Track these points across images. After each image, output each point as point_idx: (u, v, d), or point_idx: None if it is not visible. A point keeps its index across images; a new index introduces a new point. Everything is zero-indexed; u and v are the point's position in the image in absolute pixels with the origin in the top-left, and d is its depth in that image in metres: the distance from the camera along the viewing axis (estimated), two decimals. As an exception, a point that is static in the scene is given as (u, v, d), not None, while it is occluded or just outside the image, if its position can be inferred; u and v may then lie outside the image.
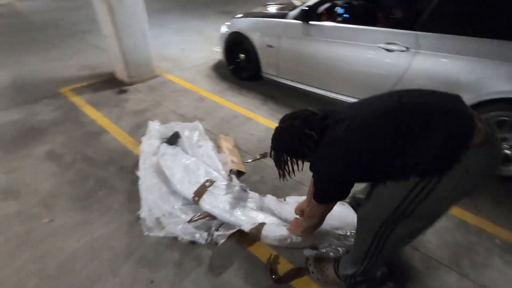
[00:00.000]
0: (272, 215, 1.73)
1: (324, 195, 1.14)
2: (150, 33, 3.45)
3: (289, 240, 1.55)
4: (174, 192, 1.88)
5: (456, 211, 1.83)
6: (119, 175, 2.14)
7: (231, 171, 2.08)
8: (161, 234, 1.66)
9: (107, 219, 1.81)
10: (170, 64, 4.09)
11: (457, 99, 0.99)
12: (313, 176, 1.19)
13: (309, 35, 2.71)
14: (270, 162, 2.26)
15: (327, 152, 1.07)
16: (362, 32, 2.39)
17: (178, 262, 1.56)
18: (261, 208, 1.78)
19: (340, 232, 1.57)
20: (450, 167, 0.90)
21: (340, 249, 1.54)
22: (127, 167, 2.22)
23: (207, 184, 1.87)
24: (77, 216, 1.82)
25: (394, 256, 1.54)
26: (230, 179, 1.99)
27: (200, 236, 1.62)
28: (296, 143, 1.13)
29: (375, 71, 2.33)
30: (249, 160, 2.28)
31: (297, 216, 1.66)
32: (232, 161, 2.20)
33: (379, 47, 2.27)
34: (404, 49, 2.15)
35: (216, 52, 4.45)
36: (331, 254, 1.54)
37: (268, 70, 3.22)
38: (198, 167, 2.01)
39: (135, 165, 2.22)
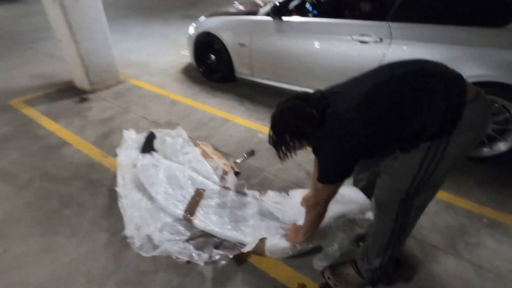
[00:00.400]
0: (273, 219, 1.59)
1: (329, 174, 1.08)
2: (111, 39, 3.21)
3: (294, 249, 1.42)
4: (162, 208, 1.70)
5: (442, 195, 1.85)
6: (87, 190, 1.91)
7: (226, 173, 1.94)
8: (155, 253, 1.47)
9: (77, 241, 1.58)
10: (136, 69, 3.84)
11: (441, 63, 1.02)
12: (316, 157, 1.15)
13: (282, 31, 2.66)
14: (257, 161, 2.16)
15: (331, 129, 1.04)
16: (336, 26, 2.39)
17: (168, 283, 1.39)
18: (261, 212, 1.64)
19: (341, 221, 1.49)
20: (455, 126, 0.92)
21: (346, 242, 1.44)
22: (96, 180, 1.98)
23: (197, 196, 1.71)
24: (40, 242, 1.57)
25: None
26: (225, 182, 1.84)
27: (199, 257, 1.44)
28: (299, 122, 1.06)
29: (351, 64, 2.34)
30: (238, 161, 2.16)
31: (295, 223, 1.52)
32: (225, 164, 2.06)
33: (353, 39, 2.27)
34: (377, 40, 2.17)
35: (185, 56, 4.28)
36: (339, 252, 1.42)
37: (242, 70, 3.13)
38: (183, 174, 1.85)
39: (106, 178, 2.00)
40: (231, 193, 1.73)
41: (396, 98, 0.96)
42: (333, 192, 1.16)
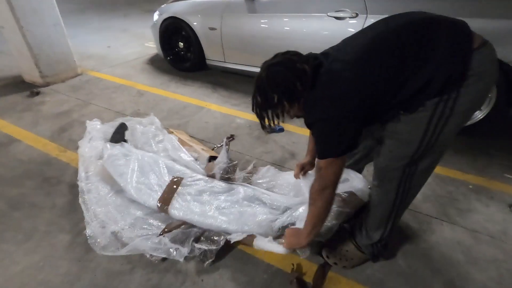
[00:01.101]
0: (261, 204, 1.41)
1: (330, 145, 0.93)
2: (67, 34, 2.88)
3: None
4: (133, 201, 1.49)
5: (427, 166, 1.83)
6: (42, 189, 1.63)
7: (211, 158, 1.78)
8: (122, 251, 1.26)
9: (31, 246, 1.32)
10: (95, 61, 3.51)
11: (441, 15, 0.92)
12: (311, 129, 1.00)
13: (254, 11, 2.54)
14: (238, 145, 2.01)
15: (325, 90, 0.90)
16: (310, 2, 2.31)
17: (147, 283, 1.19)
18: (248, 197, 1.44)
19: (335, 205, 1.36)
20: (465, 77, 0.83)
21: (336, 226, 1.29)
22: (52, 178, 1.71)
23: (173, 185, 1.50)
24: (-18, 251, 1.29)
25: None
26: (209, 169, 1.66)
27: (177, 252, 1.24)
28: (290, 78, 0.92)
29: (328, 42, 2.25)
30: (217, 146, 1.99)
31: (290, 227, 1.26)
32: (203, 149, 1.88)
33: (328, 16, 2.21)
34: (354, 15, 2.13)
35: (150, 48, 4.01)
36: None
37: (213, 57, 2.96)
38: (158, 163, 1.63)
39: (65, 174, 1.74)
40: (215, 180, 1.55)
41: (395, 51, 0.85)
42: (340, 169, 0.97)
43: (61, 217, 1.46)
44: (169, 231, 1.32)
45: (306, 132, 2.22)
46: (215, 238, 1.31)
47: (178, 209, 1.39)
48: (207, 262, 1.23)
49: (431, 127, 0.88)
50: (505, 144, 2.05)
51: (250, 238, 1.26)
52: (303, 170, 1.41)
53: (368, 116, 0.92)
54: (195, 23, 2.86)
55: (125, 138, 1.85)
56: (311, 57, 0.97)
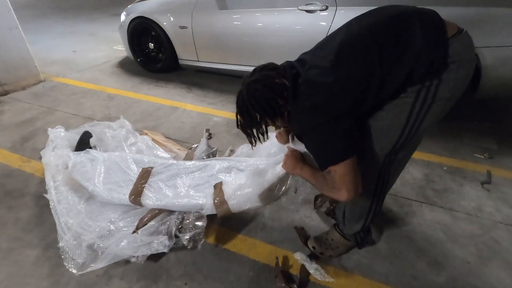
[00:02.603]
0: (240, 172, 1.35)
1: (332, 152, 0.86)
2: (27, 39, 2.70)
3: (261, 193, 1.17)
4: (107, 204, 1.41)
5: (403, 152, 1.88)
6: (2, 203, 1.50)
7: (191, 148, 1.73)
8: (102, 263, 1.17)
9: (-8, 265, 1.20)
10: (60, 67, 3.32)
11: (412, 6, 0.92)
12: (305, 140, 0.95)
13: (224, 7, 2.50)
14: (216, 143, 1.95)
15: (308, 100, 0.87)
16: (280, -4, 2.31)
17: (121, 289, 1.11)
18: (223, 170, 1.38)
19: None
20: (445, 64, 0.83)
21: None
22: (15, 190, 1.58)
23: (144, 175, 1.43)
24: None
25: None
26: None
27: (160, 243, 1.18)
28: (271, 96, 0.91)
29: (300, 37, 2.27)
30: (194, 146, 1.92)
31: (293, 148, 1.16)
32: (179, 149, 1.81)
33: (299, 9, 2.21)
34: (324, 7, 2.14)
35: (119, 51, 3.86)
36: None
37: (186, 56, 2.88)
38: (126, 160, 1.54)
39: (29, 185, 1.61)
40: (187, 162, 1.49)
41: (372, 49, 0.84)
42: (351, 169, 0.86)
43: (26, 232, 1.34)
44: (144, 225, 1.24)
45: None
46: (197, 224, 1.27)
47: (151, 197, 1.33)
48: (200, 244, 1.22)
49: (413, 114, 0.88)
50: (473, 126, 2.14)
51: (219, 192, 1.22)
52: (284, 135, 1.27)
53: (359, 113, 0.91)
54: (164, 23, 2.77)
55: (91, 145, 1.74)
56: (287, 66, 0.95)
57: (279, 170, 1.17)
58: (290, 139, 1.23)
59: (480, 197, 1.54)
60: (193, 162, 1.48)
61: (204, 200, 1.26)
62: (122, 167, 1.52)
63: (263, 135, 0.98)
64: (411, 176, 1.69)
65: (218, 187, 1.26)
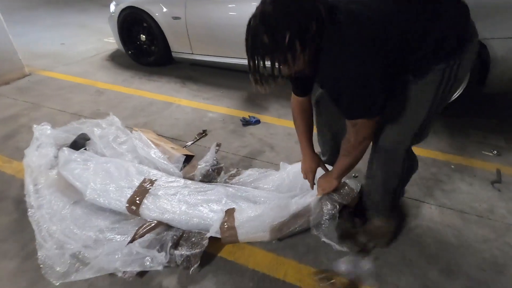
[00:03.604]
0: (246, 201, 1.27)
1: (364, 107, 0.84)
2: (12, 32, 2.55)
3: (274, 226, 1.14)
4: (97, 209, 1.31)
5: (409, 149, 1.79)
6: (-20, 208, 1.38)
7: (187, 156, 1.63)
8: (86, 275, 1.06)
9: (-35, 279, 1.09)
10: (48, 60, 3.16)
11: None
12: (333, 87, 0.86)
13: (220, -4, 2.36)
14: (211, 141, 1.84)
15: (346, 35, 0.77)
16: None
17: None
18: (230, 196, 1.30)
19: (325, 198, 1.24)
20: (466, 42, 0.84)
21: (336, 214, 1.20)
22: (-6, 193, 1.46)
23: (145, 185, 1.33)
24: None
25: None
26: (188, 172, 1.49)
27: (154, 260, 1.07)
28: (305, 14, 0.74)
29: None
30: (188, 143, 1.82)
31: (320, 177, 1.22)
32: (173, 148, 1.70)
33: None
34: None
35: (110, 43, 3.69)
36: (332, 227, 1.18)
37: (180, 49, 2.75)
38: (127, 168, 1.44)
39: (9, 188, 1.50)
40: (193, 182, 1.39)
41: (412, 1, 0.82)
42: (375, 124, 0.90)
43: (3, 241, 1.23)
44: (141, 236, 1.14)
45: (284, 122, 2.11)
46: (196, 240, 1.17)
47: (151, 209, 1.23)
48: (193, 268, 1.08)
49: (439, 93, 0.88)
50: (480, 122, 2.06)
51: (230, 218, 1.14)
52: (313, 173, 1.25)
53: (394, 69, 0.85)
54: (156, 13, 2.63)
55: (87, 148, 1.63)
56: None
57: (297, 206, 1.17)
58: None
59: (491, 198, 1.46)
60: (198, 183, 1.39)
61: (209, 220, 1.17)
62: (122, 173, 1.41)
63: (285, 63, 0.79)
64: (417, 175, 1.59)
65: (230, 212, 1.17)
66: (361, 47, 0.77)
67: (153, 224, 1.18)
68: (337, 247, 1.13)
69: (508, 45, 1.77)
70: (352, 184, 1.26)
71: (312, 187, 1.24)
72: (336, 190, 1.19)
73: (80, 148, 1.61)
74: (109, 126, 1.81)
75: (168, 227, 1.20)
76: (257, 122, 2.05)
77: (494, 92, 2.16)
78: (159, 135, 1.90)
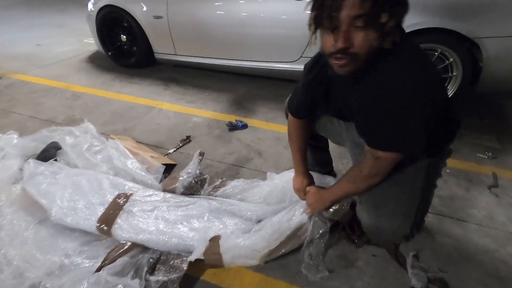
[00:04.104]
0: (231, 216, 1.17)
1: (409, 139, 0.76)
2: None
3: (263, 252, 1.04)
4: (65, 229, 1.17)
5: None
6: None
7: (168, 165, 1.50)
8: None
9: None
10: (20, 63, 2.97)
11: None
12: (378, 101, 0.74)
13: (203, -6, 2.24)
14: (195, 148, 1.72)
15: (421, 58, 0.73)
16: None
17: None
18: (214, 211, 1.19)
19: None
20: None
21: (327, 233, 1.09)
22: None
23: (119, 201, 1.20)
24: None
25: None
26: (168, 184, 1.36)
27: None
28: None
29: (287, 26, 2.06)
30: (170, 151, 1.69)
31: (314, 187, 1.11)
32: (152, 157, 1.57)
33: (288, -4, 1.99)
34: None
35: (90, 44, 3.52)
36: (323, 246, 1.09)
37: (162, 49, 2.61)
38: (100, 181, 1.31)
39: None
40: (173, 195, 1.27)
41: None
42: (397, 160, 0.82)
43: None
44: (111, 262, 1.01)
45: (272, 126, 2.01)
46: (175, 263, 1.04)
47: (125, 228, 1.10)
48: None
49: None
50: (473, 123, 2.00)
51: (215, 244, 1.02)
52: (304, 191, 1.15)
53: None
54: (136, 12, 2.49)
55: (57, 159, 1.49)
56: None
57: (291, 230, 1.06)
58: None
59: (489, 204, 1.40)
60: (178, 197, 1.26)
61: (190, 241, 1.06)
62: (94, 186, 1.28)
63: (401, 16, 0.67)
64: (413, 181, 1.52)
65: (215, 240, 1.06)
66: (431, 78, 0.71)
67: (127, 246, 1.05)
68: (325, 271, 1.03)
69: (501, 44, 1.71)
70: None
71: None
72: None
73: (50, 159, 1.47)
74: (84, 134, 1.67)
75: (144, 248, 1.08)
76: (244, 126, 1.94)
77: (486, 92, 2.12)
78: (138, 142, 1.77)
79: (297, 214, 1.07)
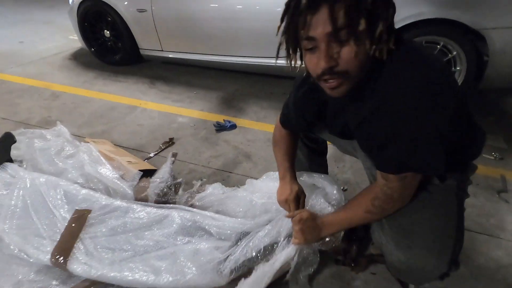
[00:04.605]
0: (204, 238, 1.01)
1: (433, 157, 0.63)
2: None
3: None
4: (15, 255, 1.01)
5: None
6: None
7: (147, 171, 1.35)
8: None
9: None
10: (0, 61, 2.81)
11: None
12: (384, 118, 0.62)
13: (189, -15, 2.10)
14: (179, 151, 1.59)
15: (427, 62, 0.60)
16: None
17: None
18: (185, 228, 1.02)
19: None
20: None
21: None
22: None
23: (75, 225, 1.04)
24: None
25: None
26: (140, 192, 1.23)
27: None
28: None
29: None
30: (151, 155, 1.56)
31: (305, 211, 0.91)
32: (129, 162, 1.43)
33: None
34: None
35: (75, 41, 3.35)
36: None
37: (148, 45, 2.47)
38: (55, 190, 1.14)
39: None
40: (140, 206, 1.12)
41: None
42: (416, 185, 0.72)
43: None
44: None
45: (263, 126, 1.87)
46: None
47: (82, 263, 0.94)
48: None
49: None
50: (477, 120, 1.87)
51: None
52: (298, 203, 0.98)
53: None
54: (119, 5, 2.34)
55: (13, 158, 1.34)
56: None
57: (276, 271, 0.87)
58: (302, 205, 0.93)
59: (498, 211, 1.27)
60: (147, 208, 1.09)
61: (153, 278, 0.89)
62: (48, 203, 1.12)
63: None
64: (414, 186, 1.40)
65: None
66: (439, 83, 0.58)
67: (86, 284, 0.91)
68: None
69: (508, 35, 1.58)
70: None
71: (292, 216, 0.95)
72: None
73: (3, 160, 1.31)
74: (56, 137, 1.53)
75: (106, 285, 0.93)
76: (233, 126, 1.80)
77: (491, 88, 1.99)
78: (117, 146, 1.63)
79: (280, 249, 0.89)
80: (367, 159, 0.85)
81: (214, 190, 1.21)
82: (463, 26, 1.61)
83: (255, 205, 1.08)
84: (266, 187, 1.11)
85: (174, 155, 1.42)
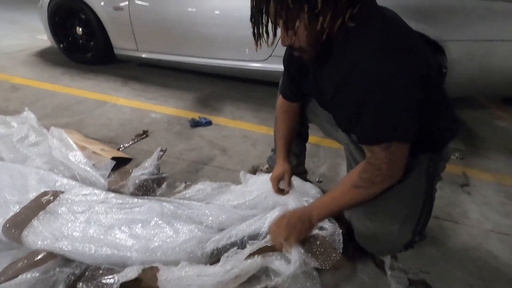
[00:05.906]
0: (188, 221, 0.93)
1: (398, 123, 0.64)
2: None
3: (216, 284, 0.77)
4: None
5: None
6: None
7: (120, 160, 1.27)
8: None
9: None
10: (-46, 53, 2.59)
11: None
12: (353, 91, 0.64)
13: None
14: (151, 144, 1.51)
15: (394, 25, 0.65)
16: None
17: None
18: (166, 215, 0.94)
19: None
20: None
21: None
22: None
23: (44, 199, 0.95)
24: None
25: None
26: (118, 183, 1.13)
27: None
28: None
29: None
30: (126, 145, 1.46)
31: (282, 210, 0.91)
32: (103, 150, 1.33)
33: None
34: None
35: (43, 41, 3.20)
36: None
37: (123, 45, 2.40)
38: (25, 176, 1.05)
39: None
40: (117, 195, 1.03)
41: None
42: (406, 158, 0.71)
43: None
44: (9, 279, 0.75)
45: (240, 124, 1.85)
46: (103, 282, 0.80)
47: (41, 233, 0.84)
48: None
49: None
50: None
51: (152, 275, 0.78)
52: (280, 182, 0.99)
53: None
54: (94, 2, 2.29)
55: None
56: None
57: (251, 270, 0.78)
58: (286, 183, 0.95)
59: (463, 202, 1.34)
60: (127, 198, 1.01)
61: (127, 251, 0.82)
62: (16, 182, 1.01)
63: (267, 33, 0.67)
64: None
65: (153, 271, 0.79)
66: (410, 46, 0.63)
67: (39, 257, 0.80)
68: None
69: (466, 47, 1.75)
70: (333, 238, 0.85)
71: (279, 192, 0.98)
72: (307, 242, 0.82)
73: None
74: (21, 124, 1.40)
75: (65, 261, 0.83)
76: (209, 123, 1.77)
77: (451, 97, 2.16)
78: (84, 136, 1.52)
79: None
80: (345, 137, 0.88)
81: (201, 187, 1.14)
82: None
83: (244, 204, 1.02)
84: (258, 184, 1.07)
85: (163, 150, 1.36)
